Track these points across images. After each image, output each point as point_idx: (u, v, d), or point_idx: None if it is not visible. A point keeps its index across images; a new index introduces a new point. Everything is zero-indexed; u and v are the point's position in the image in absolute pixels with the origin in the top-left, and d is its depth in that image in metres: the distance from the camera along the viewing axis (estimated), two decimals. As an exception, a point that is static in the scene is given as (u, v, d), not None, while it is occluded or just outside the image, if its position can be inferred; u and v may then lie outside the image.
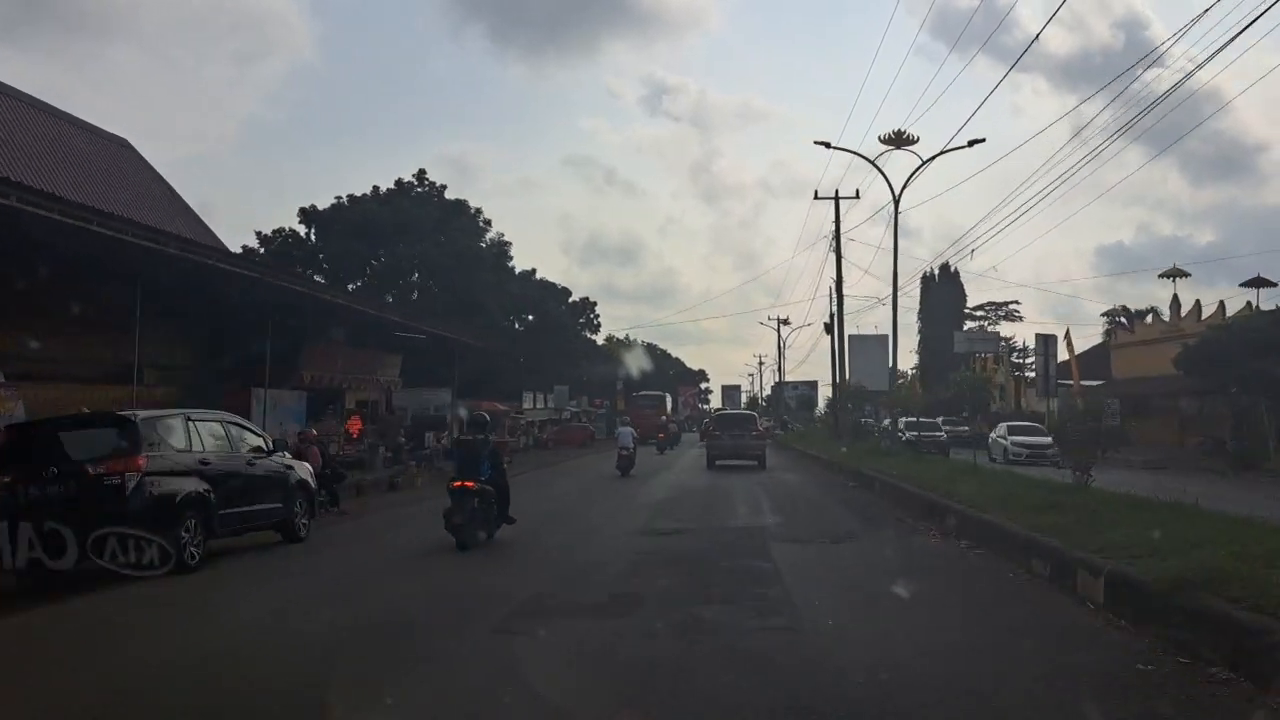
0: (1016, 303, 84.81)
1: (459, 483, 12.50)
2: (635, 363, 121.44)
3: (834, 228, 35.10)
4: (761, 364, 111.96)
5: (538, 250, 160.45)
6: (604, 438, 66.79)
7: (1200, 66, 34.15)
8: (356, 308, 29.83)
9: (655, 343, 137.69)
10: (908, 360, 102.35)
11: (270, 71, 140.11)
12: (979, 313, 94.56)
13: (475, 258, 45.20)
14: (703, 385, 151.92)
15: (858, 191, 32.45)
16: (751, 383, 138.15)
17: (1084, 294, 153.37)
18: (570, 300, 74.71)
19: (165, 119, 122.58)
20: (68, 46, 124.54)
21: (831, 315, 37.40)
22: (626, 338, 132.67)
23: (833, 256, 34.87)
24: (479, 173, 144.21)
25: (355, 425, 30.98)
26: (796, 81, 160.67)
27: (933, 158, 25.27)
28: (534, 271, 69.63)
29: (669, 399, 64.86)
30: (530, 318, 64.75)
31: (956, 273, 66.86)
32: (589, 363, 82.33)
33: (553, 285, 70.34)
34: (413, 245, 42.86)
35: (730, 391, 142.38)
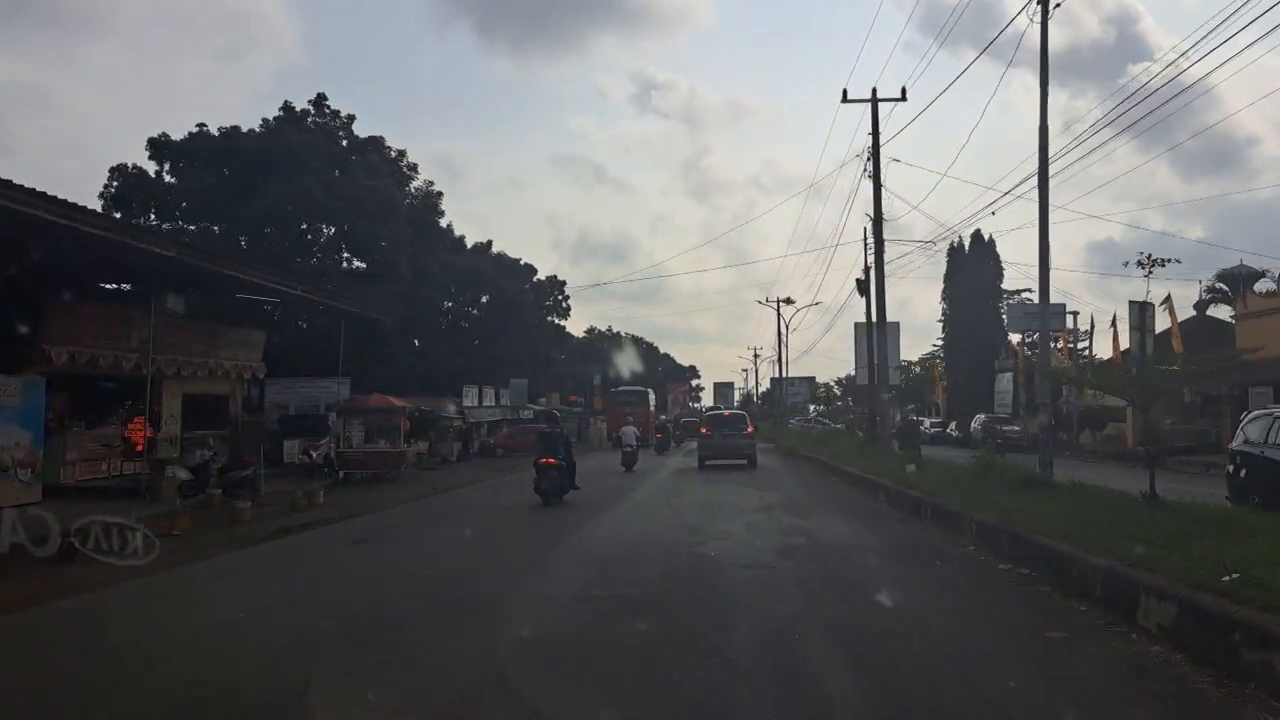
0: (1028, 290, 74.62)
1: (545, 460, 18.05)
2: (620, 357, 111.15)
3: (871, 141, 24.31)
4: (757, 356, 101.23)
5: (526, 249, 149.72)
6: (575, 444, 56.02)
7: (1191, 57, 23.39)
8: (137, 245, 18.48)
9: (644, 340, 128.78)
10: (910, 350, 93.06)
11: (254, 69, 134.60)
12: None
13: (382, 205, 34.21)
14: (694, 382, 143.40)
15: (904, 91, 21.44)
16: (746, 378, 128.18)
17: (1074, 290, 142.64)
18: (535, 279, 63.95)
19: (147, 117, 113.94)
20: (49, 43, 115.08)
21: (866, 269, 26.54)
22: (609, 330, 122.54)
23: (847, 219, 23.78)
24: (466, 170, 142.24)
25: (138, 433, 19.99)
26: (785, 78, 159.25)
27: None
28: (489, 245, 59.05)
29: (652, 396, 54.12)
30: (484, 299, 53.88)
31: (992, 241, 56.34)
32: (558, 353, 71.37)
33: (512, 261, 59.55)
34: (289, 184, 31.78)
35: (723, 389, 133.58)
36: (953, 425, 51.38)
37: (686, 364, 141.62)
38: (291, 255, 33.27)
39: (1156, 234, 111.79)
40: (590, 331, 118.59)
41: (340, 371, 27.68)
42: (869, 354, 28.29)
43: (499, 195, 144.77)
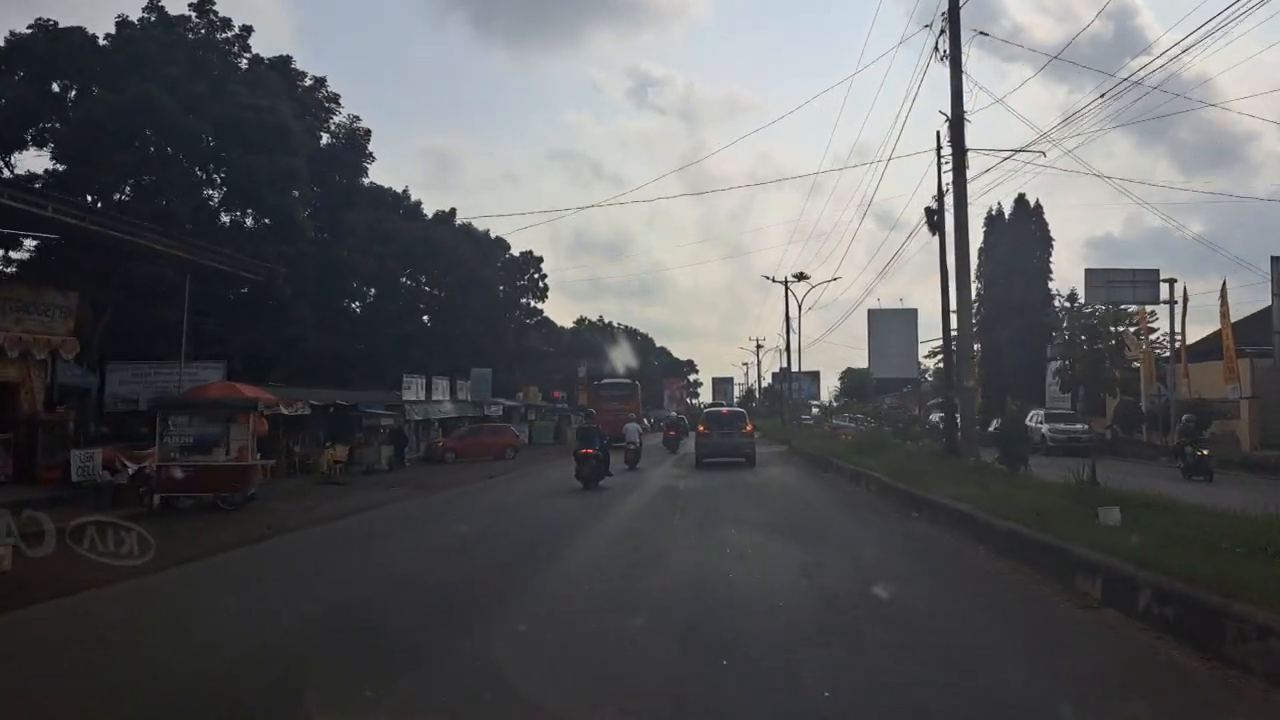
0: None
1: (585, 450, 20.76)
2: (613, 351, 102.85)
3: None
4: (760, 347, 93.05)
5: (518, 248, 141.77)
6: (549, 445, 47.69)
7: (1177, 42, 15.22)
8: None
9: (639, 331, 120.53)
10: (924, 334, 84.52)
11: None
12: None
13: (270, 134, 25.65)
14: (691, 378, 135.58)
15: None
16: (746, 372, 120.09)
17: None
18: (508, 255, 55.53)
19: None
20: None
21: (940, 191, 17.97)
22: (601, 321, 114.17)
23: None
24: (462, 166, 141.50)
25: None
26: (783, 72, 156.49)
27: None
28: (452, 213, 50.62)
29: (640, 389, 45.94)
30: (448, 283, 45.53)
31: (1038, 208, 47.93)
32: (541, 344, 62.89)
33: (480, 233, 51.09)
34: (123, 93, 23.12)
35: (721, 384, 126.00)
36: (995, 424, 43.06)
37: (684, 359, 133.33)
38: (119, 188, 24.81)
39: (1158, 229, 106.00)
40: (580, 322, 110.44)
41: (217, 351, 19.28)
42: (943, 321, 19.94)
43: (495, 191, 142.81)
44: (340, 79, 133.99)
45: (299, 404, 26.72)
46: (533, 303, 55.67)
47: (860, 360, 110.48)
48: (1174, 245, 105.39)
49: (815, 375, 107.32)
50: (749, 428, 28.75)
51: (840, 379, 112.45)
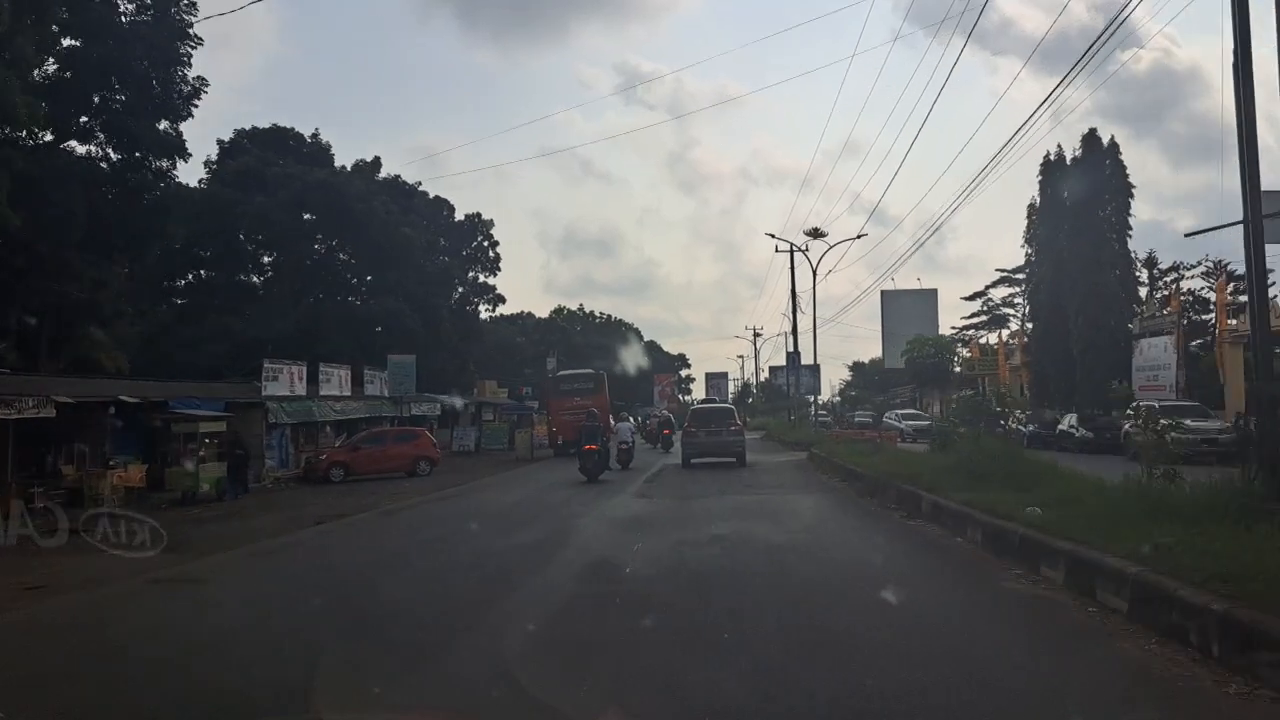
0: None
1: (588, 446, 21.58)
2: (593, 343, 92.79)
3: None
4: (758, 335, 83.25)
5: (508, 246, 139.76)
6: (501, 451, 37.47)
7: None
8: None
9: (625, 322, 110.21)
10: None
11: (231, 61, 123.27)
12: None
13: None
14: (683, 373, 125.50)
15: None
16: (742, 366, 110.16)
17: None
18: (453, 220, 45.25)
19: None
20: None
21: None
22: (581, 310, 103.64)
23: None
24: (450, 163, 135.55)
25: None
26: (773, 67, 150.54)
27: None
28: (376, 163, 40.34)
29: (605, 381, 35.55)
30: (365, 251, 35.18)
31: (1113, 147, 37.73)
32: (493, 327, 52.48)
33: (409, 186, 40.83)
34: None
35: (715, 380, 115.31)
36: (1069, 420, 33.07)
37: (675, 353, 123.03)
38: None
39: (1147, 223, 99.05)
40: (559, 312, 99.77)
41: None
42: (1248, 261, 9.68)
43: (483, 190, 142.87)
44: (325, 75, 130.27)
45: (27, 400, 16.43)
46: (482, 276, 45.35)
47: (863, 353, 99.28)
48: (1166, 237, 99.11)
49: (816, 369, 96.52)
50: (737, 424, 27.29)
51: (850, 368, 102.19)
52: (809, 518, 13.03)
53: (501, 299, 45.13)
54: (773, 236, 54.83)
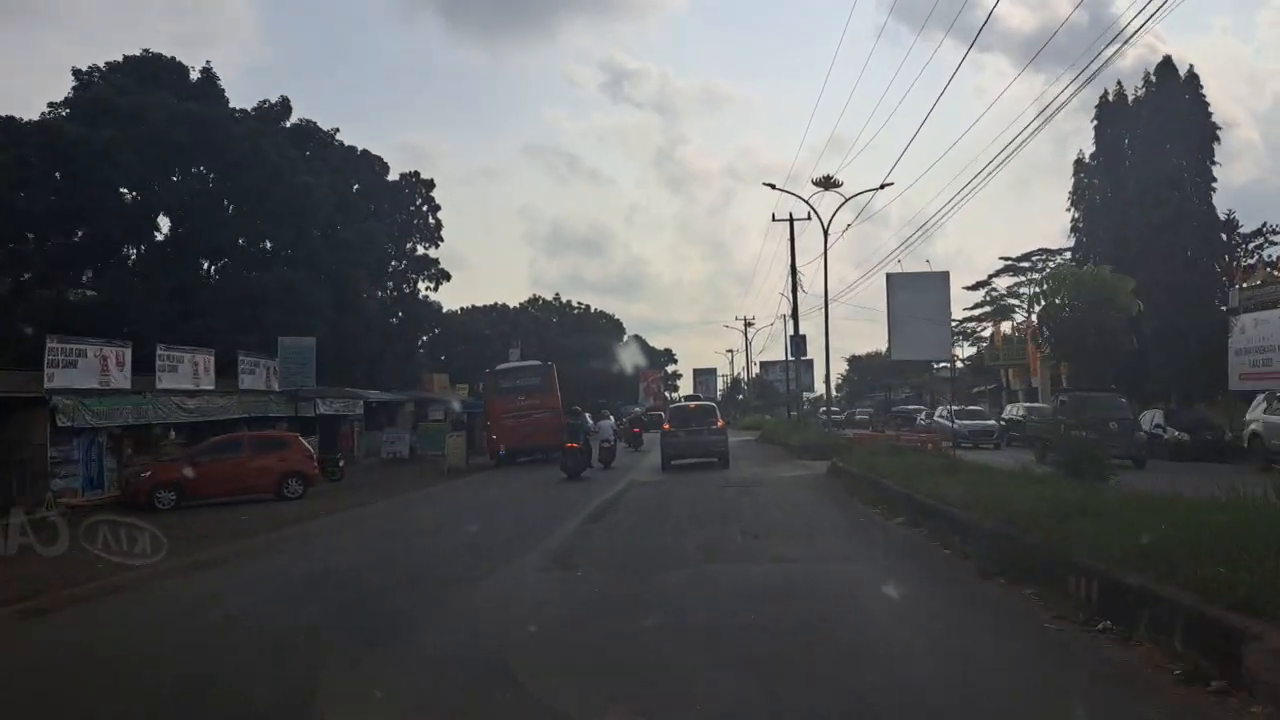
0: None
1: (570, 444, 21.97)
2: (569, 333, 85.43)
3: None
4: (750, 325, 76.29)
5: (496, 245, 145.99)
6: (437, 458, 29.92)
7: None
8: None
9: (605, 313, 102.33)
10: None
11: (213, 59, 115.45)
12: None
13: None
14: (669, 369, 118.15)
15: None
16: (732, 361, 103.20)
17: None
18: (387, 179, 37.56)
19: None
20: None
21: None
22: (558, 299, 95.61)
23: None
24: (437, 161, 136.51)
25: None
26: (760, 63, 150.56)
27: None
28: (285, 107, 32.68)
29: (554, 372, 27.76)
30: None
31: (1193, 77, 30.34)
32: (423, 303, 44.07)
33: (324, 134, 33.24)
34: None
35: (703, 376, 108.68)
36: (1152, 419, 26.09)
37: (662, 348, 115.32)
38: None
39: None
40: (533, 301, 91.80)
41: None
42: None
43: (470, 188, 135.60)
44: (308, 75, 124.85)
45: None
46: (421, 248, 37.62)
47: (857, 348, 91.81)
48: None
49: (809, 363, 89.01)
50: (720, 423, 25.84)
51: (848, 361, 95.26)
52: (951, 685, 5.32)
53: (445, 275, 37.38)
54: (772, 187, 46.30)
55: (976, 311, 64.95)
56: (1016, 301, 61.72)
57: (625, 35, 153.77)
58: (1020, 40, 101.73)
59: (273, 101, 32.19)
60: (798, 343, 37.49)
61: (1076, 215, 36.89)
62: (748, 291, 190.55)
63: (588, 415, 26.30)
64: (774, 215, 37.94)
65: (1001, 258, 58.87)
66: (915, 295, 35.66)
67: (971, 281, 67.34)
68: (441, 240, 36.90)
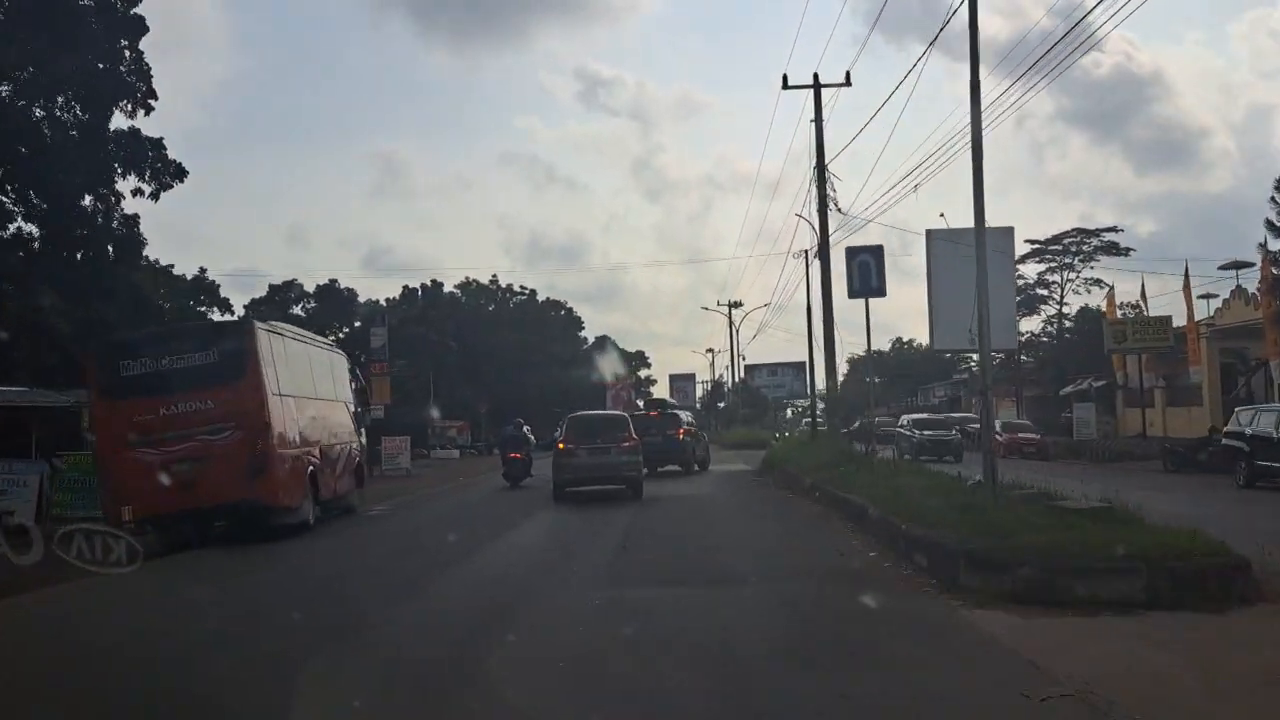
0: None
1: (513, 454, 24.07)
2: (520, 325, 69.59)
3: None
4: (738, 306, 62.16)
5: (480, 250, 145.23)
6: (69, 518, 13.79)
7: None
8: None
9: (563, 303, 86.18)
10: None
11: (180, 68, 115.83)
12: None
13: None
14: (643, 374, 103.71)
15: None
16: (713, 364, 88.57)
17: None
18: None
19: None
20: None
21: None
22: (494, 281, 78.63)
23: None
24: (410, 171, 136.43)
25: None
26: (736, 70, 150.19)
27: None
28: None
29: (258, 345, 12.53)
30: None
31: None
32: (130, 231, 26.00)
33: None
34: None
35: (680, 382, 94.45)
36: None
37: (633, 350, 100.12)
38: None
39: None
40: (467, 284, 74.41)
41: None
42: None
43: (445, 198, 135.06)
44: (278, 81, 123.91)
45: None
46: (127, 117, 21.16)
47: (853, 347, 77.01)
48: (1127, 242, 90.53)
49: (800, 366, 74.13)
50: (682, 431, 26.18)
51: (848, 362, 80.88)
52: None
53: (182, 171, 21.07)
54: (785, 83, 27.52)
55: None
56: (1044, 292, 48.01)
57: (600, 39, 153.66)
58: (997, 48, 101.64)
59: None
60: (825, 253, 22.42)
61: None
62: (724, 294, 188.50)
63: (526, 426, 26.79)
64: (785, 79, 22.03)
65: (1028, 240, 45.37)
66: (962, 258, 24.10)
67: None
68: (156, 97, 20.75)
